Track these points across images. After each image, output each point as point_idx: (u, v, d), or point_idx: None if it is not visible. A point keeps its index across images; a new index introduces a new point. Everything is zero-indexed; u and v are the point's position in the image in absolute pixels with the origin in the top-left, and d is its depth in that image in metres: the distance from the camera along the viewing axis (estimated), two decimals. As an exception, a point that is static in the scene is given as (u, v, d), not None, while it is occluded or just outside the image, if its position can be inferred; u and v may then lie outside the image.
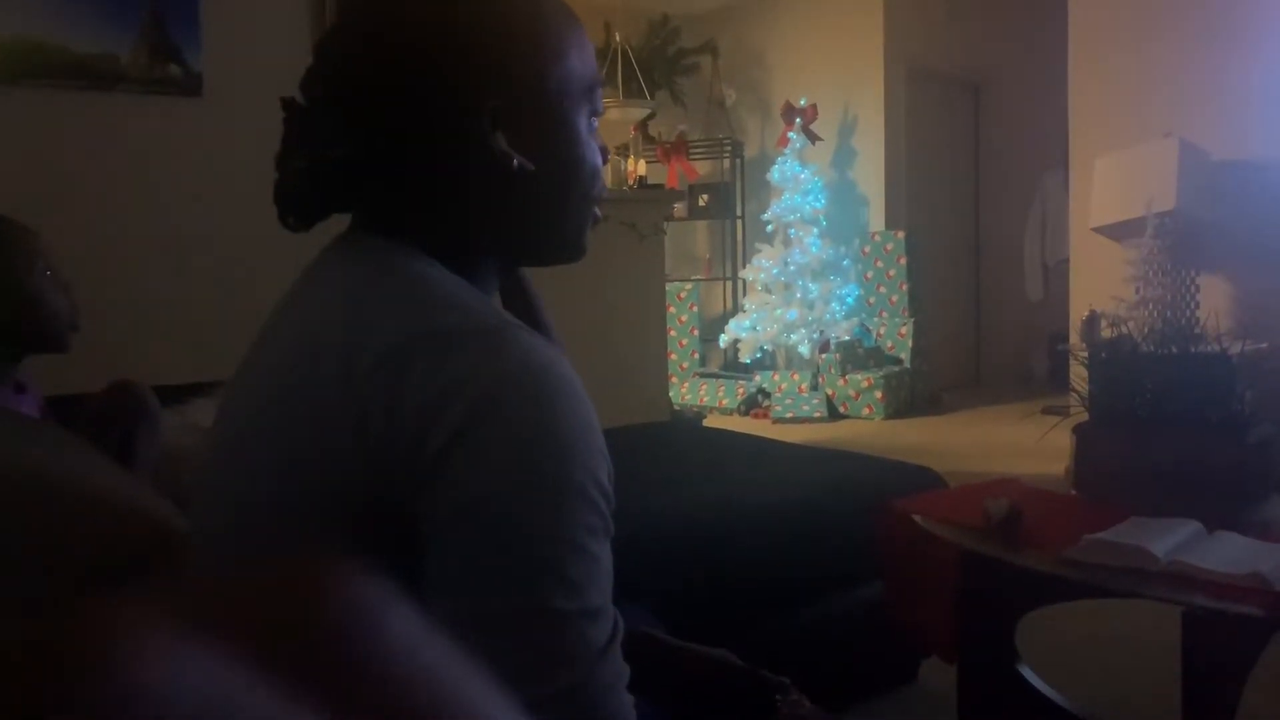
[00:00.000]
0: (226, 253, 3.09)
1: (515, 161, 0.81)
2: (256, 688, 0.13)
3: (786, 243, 6.94)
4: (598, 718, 0.69)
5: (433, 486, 0.70)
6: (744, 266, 7.28)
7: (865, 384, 6.39)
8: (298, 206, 0.85)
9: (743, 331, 6.93)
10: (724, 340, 7.11)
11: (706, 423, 5.45)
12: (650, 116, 6.87)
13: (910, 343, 6.71)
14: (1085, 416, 2.20)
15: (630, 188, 4.77)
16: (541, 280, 0.98)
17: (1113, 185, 4.87)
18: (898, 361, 6.68)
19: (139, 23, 2.96)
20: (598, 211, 0.91)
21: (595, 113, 0.89)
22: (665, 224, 4.58)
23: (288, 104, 0.84)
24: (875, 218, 7.18)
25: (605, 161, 0.91)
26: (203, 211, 3.08)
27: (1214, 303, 4.18)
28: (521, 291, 0.93)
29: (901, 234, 6.88)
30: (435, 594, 0.69)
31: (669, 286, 5.64)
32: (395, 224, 0.84)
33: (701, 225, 7.81)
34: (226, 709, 0.13)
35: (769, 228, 7.06)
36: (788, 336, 6.74)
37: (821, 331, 6.72)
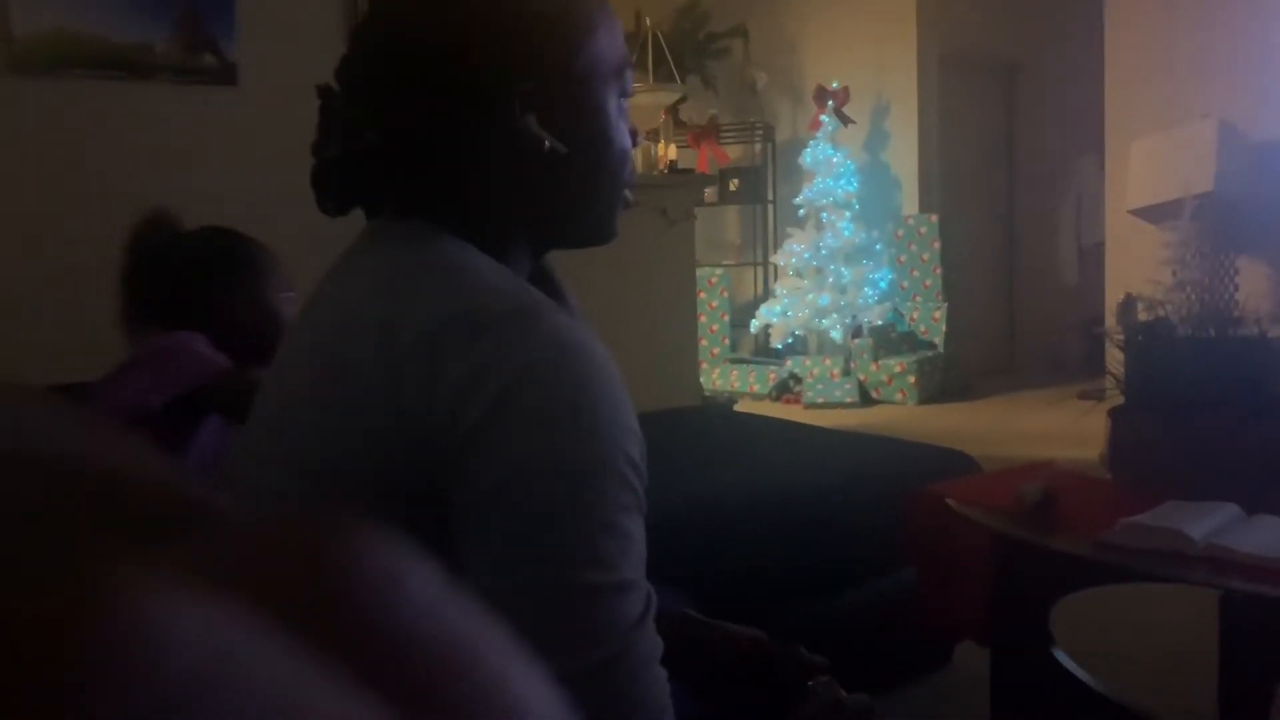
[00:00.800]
0: (261, 239, 3.12)
1: (546, 144, 0.82)
2: (273, 647, 0.13)
3: (818, 227, 6.90)
4: (632, 692, 0.70)
5: (467, 463, 0.71)
6: (775, 251, 7.25)
7: (898, 369, 6.35)
8: (334, 192, 0.86)
9: (774, 317, 6.91)
10: (755, 326, 7.09)
11: (737, 408, 5.44)
12: (681, 101, 6.84)
13: (943, 327, 6.66)
14: (1121, 400, 2.18)
15: (660, 173, 4.75)
16: (571, 266, 0.99)
17: (1149, 167, 4.80)
18: (931, 346, 6.64)
19: (175, 13, 2.99)
20: (629, 195, 0.91)
21: (625, 94, 0.89)
22: (696, 209, 4.57)
23: (323, 91, 0.86)
24: (908, 201, 7.12)
25: (636, 144, 0.91)
26: (238, 199, 3.11)
27: (1253, 285, 4.12)
28: (546, 278, 0.94)
29: (935, 218, 6.82)
30: (469, 570, 0.70)
31: (699, 272, 5.63)
32: (429, 209, 0.85)
33: (732, 210, 7.78)
34: (241, 667, 0.13)
35: (800, 212, 7.03)
36: (819, 321, 6.71)
37: (854, 316, 6.68)
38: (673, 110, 6.62)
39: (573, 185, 0.86)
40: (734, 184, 7.33)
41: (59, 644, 0.12)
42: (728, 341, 7.08)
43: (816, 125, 6.94)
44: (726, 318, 7.04)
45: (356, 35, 0.86)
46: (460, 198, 0.85)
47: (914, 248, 6.83)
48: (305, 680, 0.13)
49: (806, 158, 6.95)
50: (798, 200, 7.02)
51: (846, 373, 6.48)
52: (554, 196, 0.86)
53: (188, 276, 1.67)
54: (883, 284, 6.84)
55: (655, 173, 4.68)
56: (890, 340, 6.53)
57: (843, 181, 6.84)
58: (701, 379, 5.31)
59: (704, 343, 6.40)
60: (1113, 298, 4.96)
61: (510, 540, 0.70)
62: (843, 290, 6.76)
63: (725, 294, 7.02)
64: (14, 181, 2.77)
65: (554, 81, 0.83)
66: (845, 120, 6.90)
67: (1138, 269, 4.47)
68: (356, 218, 0.90)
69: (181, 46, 3.01)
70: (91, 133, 2.92)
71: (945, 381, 6.57)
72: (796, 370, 6.63)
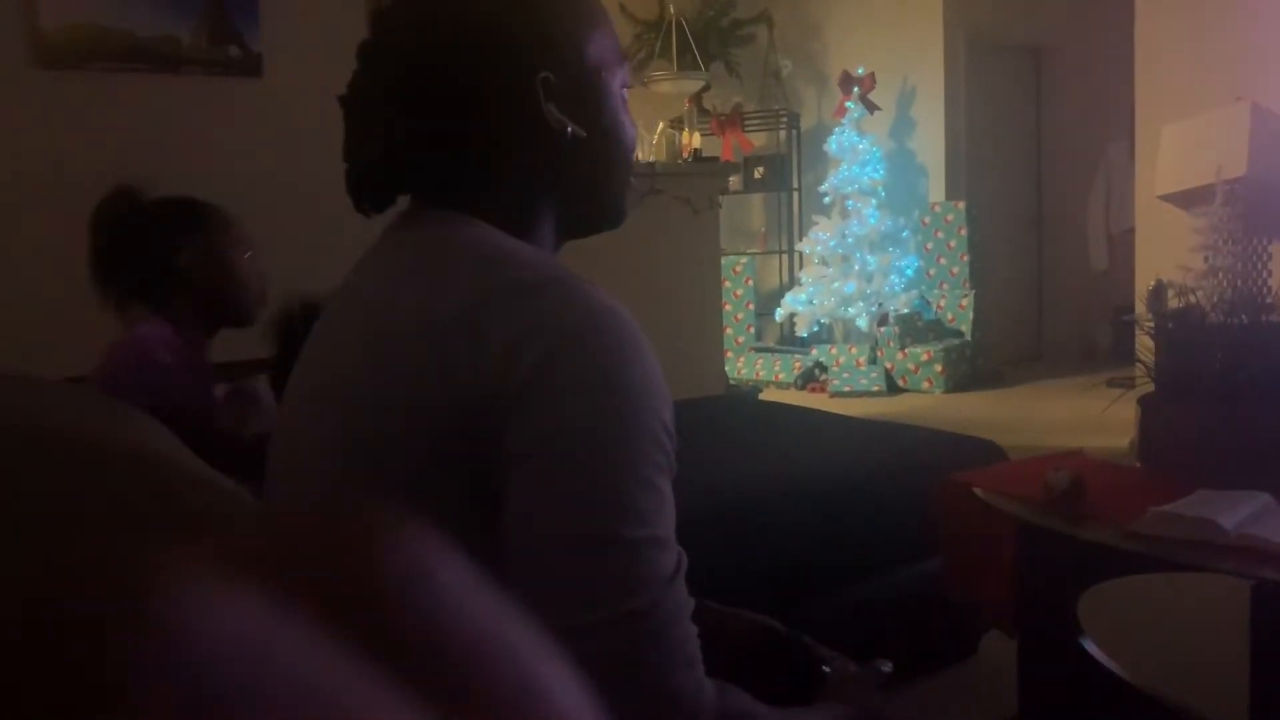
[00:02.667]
0: (287, 229, 3.13)
1: (569, 129, 0.87)
2: (308, 640, 0.14)
3: (844, 214, 6.86)
4: (664, 641, 0.73)
5: (510, 424, 0.74)
6: (800, 239, 7.22)
7: (925, 357, 6.31)
8: (372, 194, 0.89)
9: (799, 305, 6.88)
10: (780, 314, 7.07)
11: (762, 397, 5.43)
12: (705, 89, 6.82)
13: (971, 315, 6.61)
14: (1151, 388, 2.16)
15: (685, 161, 4.74)
16: (597, 255, 1.00)
17: (1181, 152, 4.74)
18: (958, 334, 6.60)
19: (200, 6, 3.01)
20: (633, 179, 0.97)
21: (625, 84, 0.94)
22: (720, 197, 4.56)
23: (346, 99, 0.88)
24: (935, 188, 7.07)
25: (634, 136, 0.96)
26: (265, 188, 3.13)
27: (1287, 271, 4.06)
28: None
29: (962, 204, 6.77)
30: (512, 521, 0.74)
31: (724, 260, 5.62)
32: (456, 198, 0.88)
33: (757, 198, 7.75)
34: (277, 660, 0.13)
35: (826, 199, 6.99)
36: (845, 310, 6.68)
37: (880, 304, 6.64)
38: (697, 98, 6.61)
39: (591, 169, 0.91)
40: (759, 172, 7.30)
41: (99, 640, 0.12)
42: (753, 330, 7.06)
43: (842, 112, 6.90)
44: (751, 306, 7.03)
45: (374, 40, 0.88)
46: (487, 187, 0.88)
47: (940, 235, 6.78)
48: (340, 673, 0.14)
49: (832, 145, 6.91)
50: (823, 188, 6.99)
51: (873, 361, 6.45)
52: (574, 182, 0.91)
53: (148, 241, 1.72)
54: (909, 271, 6.80)
55: (679, 161, 4.66)
56: (917, 328, 6.50)
57: (869, 168, 6.80)
58: (726, 368, 5.31)
59: (729, 331, 6.39)
60: (1143, 284, 4.90)
61: (550, 492, 0.74)
62: (869, 278, 6.72)
63: (750, 282, 7.00)
64: (43, 174, 2.80)
65: (571, 71, 0.87)
66: (871, 107, 6.86)
67: (1168, 255, 4.42)
68: (388, 210, 0.91)
69: (207, 39, 3.03)
70: (119, 125, 2.94)
71: (972, 370, 6.53)
72: (822, 359, 6.61)
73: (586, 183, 0.92)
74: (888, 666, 1.01)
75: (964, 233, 6.69)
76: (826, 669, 0.99)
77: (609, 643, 0.71)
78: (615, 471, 0.73)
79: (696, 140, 5.50)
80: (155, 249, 1.72)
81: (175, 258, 1.72)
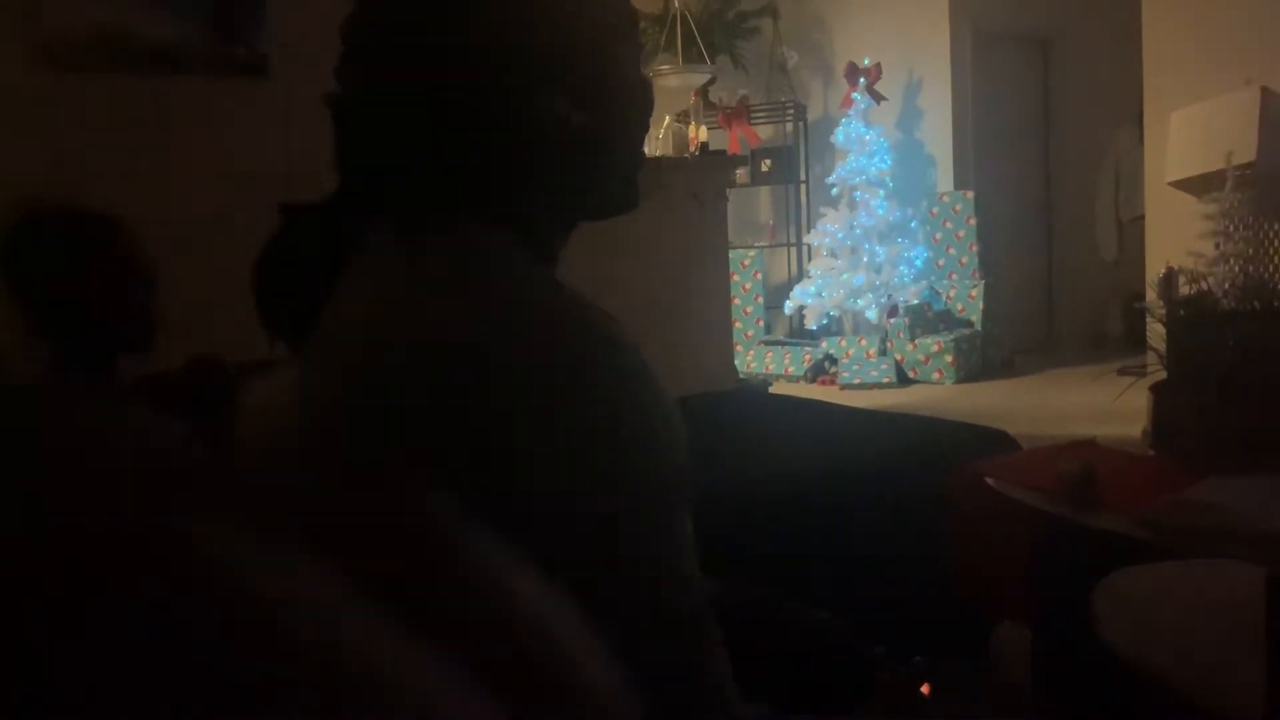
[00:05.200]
0: (296, 231, 3.14)
1: (576, 119, 0.83)
2: (343, 602, 0.14)
3: (852, 206, 6.85)
4: (703, 677, 0.73)
5: (515, 474, 0.70)
6: (808, 232, 7.20)
7: (935, 348, 6.30)
8: (370, 203, 0.85)
9: (808, 298, 6.87)
10: (789, 307, 7.06)
11: (773, 390, 5.42)
12: (711, 82, 6.81)
13: (981, 305, 6.59)
14: (1163, 375, 2.15)
15: (692, 155, 4.73)
16: (604, 250, 0.99)
17: (1190, 138, 4.72)
18: (968, 324, 6.58)
19: (206, 6, 3.01)
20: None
21: (639, 46, 0.91)
22: (727, 191, 4.54)
23: (332, 101, 0.85)
24: (943, 178, 7.05)
25: (651, 95, 0.91)
26: (271, 189, 3.13)
27: (1298, 256, 4.04)
28: None
29: (970, 194, 6.75)
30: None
31: (732, 254, 5.61)
32: (458, 195, 0.84)
33: (764, 191, 7.74)
34: (308, 617, 0.13)
35: (834, 191, 6.98)
36: (854, 301, 6.67)
37: (889, 296, 6.63)
38: (703, 92, 6.58)
39: (601, 155, 0.87)
40: (766, 164, 7.29)
41: (133, 602, 0.12)
42: (762, 323, 7.05)
43: (849, 103, 6.88)
44: (760, 299, 7.02)
45: (354, 36, 0.86)
46: (491, 182, 0.84)
47: (949, 225, 6.76)
48: (374, 635, 0.14)
49: (839, 136, 6.89)
50: (831, 179, 6.97)
51: (883, 353, 6.44)
52: (583, 168, 0.87)
53: (19, 280, 1.61)
54: (918, 262, 6.78)
55: (686, 155, 4.65)
56: (927, 319, 6.48)
57: (876, 159, 6.78)
58: (736, 362, 5.30)
59: (738, 325, 6.38)
60: (1153, 272, 4.87)
61: (570, 559, 0.68)
62: (878, 269, 6.71)
63: (759, 276, 6.99)
64: (47, 178, 2.81)
65: (575, 55, 0.84)
66: (878, 98, 6.84)
67: (1179, 242, 4.41)
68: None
69: (213, 40, 3.03)
70: (125, 127, 2.95)
71: (983, 360, 6.51)
72: (832, 351, 6.60)
73: (598, 169, 0.88)
74: (919, 660, 1.00)
75: (973, 222, 6.67)
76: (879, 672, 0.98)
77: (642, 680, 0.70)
78: (634, 542, 0.71)
79: (703, 134, 5.48)
80: (30, 289, 1.60)
81: (54, 296, 1.60)
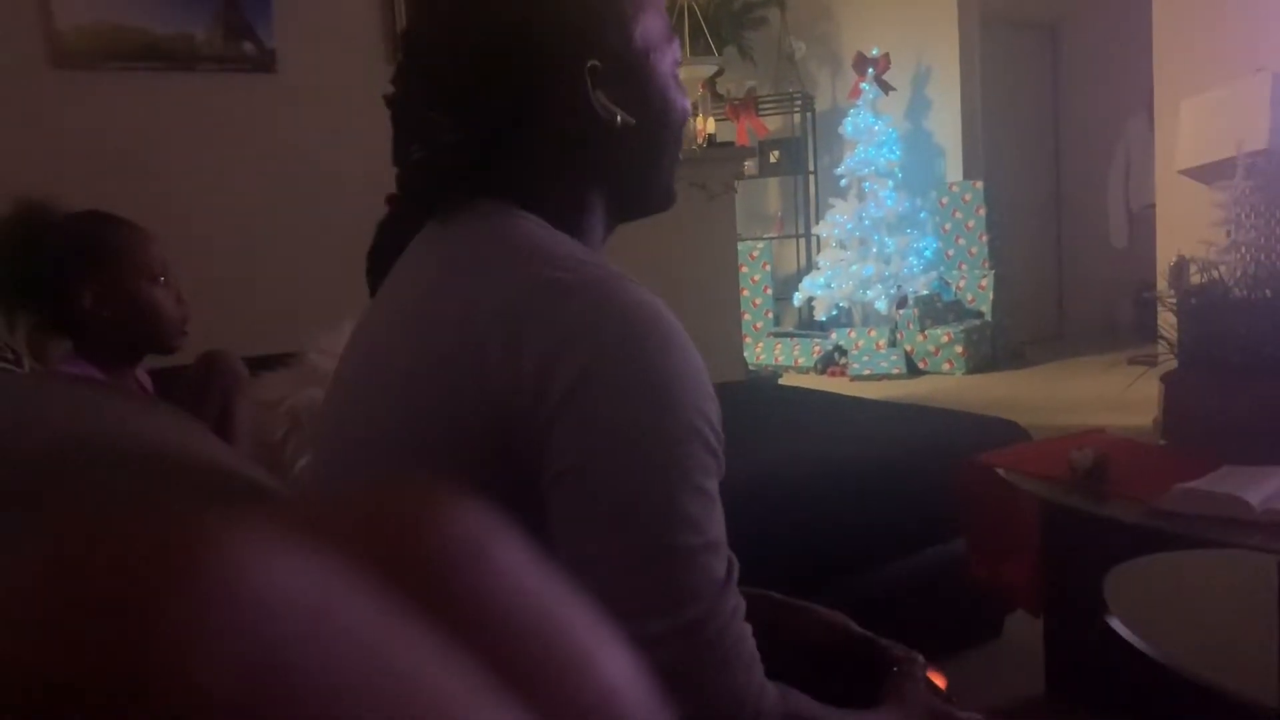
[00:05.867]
0: (299, 226, 3.15)
1: (619, 118, 0.86)
2: (366, 605, 0.14)
3: (861, 197, 6.83)
4: (722, 648, 0.73)
5: (555, 434, 0.73)
6: (817, 223, 7.19)
7: (945, 339, 6.29)
8: (421, 196, 0.88)
9: (817, 289, 6.86)
10: (798, 299, 7.05)
11: (782, 382, 5.42)
12: (718, 74, 6.79)
13: (991, 295, 6.58)
14: (1174, 365, 2.15)
15: (699, 147, 4.72)
16: (612, 243, 0.99)
17: (1200, 126, 4.69)
18: (978, 315, 6.56)
19: (214, 3, 3.02)
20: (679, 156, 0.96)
21: (676, 60, 0.92)
22: (735, 182, 4.54)
23: (390, 100, 0.88)
24: (952, 168, 7.03)
25: (688, 103, 0.94)
26: (280, 184, 3.14)
27: (1310, 244, 4.01)
28: None
29: (980, 184, 6.73)
30: (561, 537, 0.73)
31: (741, 246, 5.60)
32: (503, 190, 0.87)
33: (773, 182, 7.72)
34: (335, 621, 0.13)
35: (842, 182, 6.96)
36: (864, 292, 6.66)
37: (899, 286, 6.61)
38: (710, 83, 6.57)
39: (641, 154, 0.90)
40: (774, 156, 7.27)
41: (155, 598, 0.12)
42: (771, 315, 7.04)
43: (857, 93, 6.86)
44: (769, 291, 7.01)
45: (411, 38, 0.89)
46: (535, 178, 0.87)
47: (959, 215, 6.74)
48: (399, 633, 0.14)
49: (847, 127, 6.87)
50: (839, 170, 6.96)
51: (892, 344, 6.43)
52: (624, 167, 0.90)
53: (43, 285, 1.60)
54: (928, 253, 6.76)
55: (694, 147, 4.64)
56: (936, 310, 6.47)
57: (885, 150, 6.76)
58: (745, 353, 5.30)
59: (747, 317, 6.38)
60: (1164, 260, 4.85)
61: (603, 508, 0.73)
62: (887, 260, 6.69)
63: (767, 267, 6.98)
64: (59, 175, 2.82)
65: (617, 55, 0.86)
66: (886, 88, 6.81)
67: (1190, 231, 4.38)
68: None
69: (221, 35, 3.04)
70: (135, 124, 2.96)
71: (993, 350, 6.49)
72: (841, 342, 6.59)
73: (637, 169, 0.91)
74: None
75: (982, 212, 6.65)
76: (895, 668, 0.97)
77: (668, 654, 0.71)
78: (664, 480, 0.72)
79: (711, 125, 5.48)
80: (52, 293, 1.60)
81: (76, 300, 1.59)
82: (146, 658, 0.12)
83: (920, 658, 0.99)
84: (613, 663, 0.17)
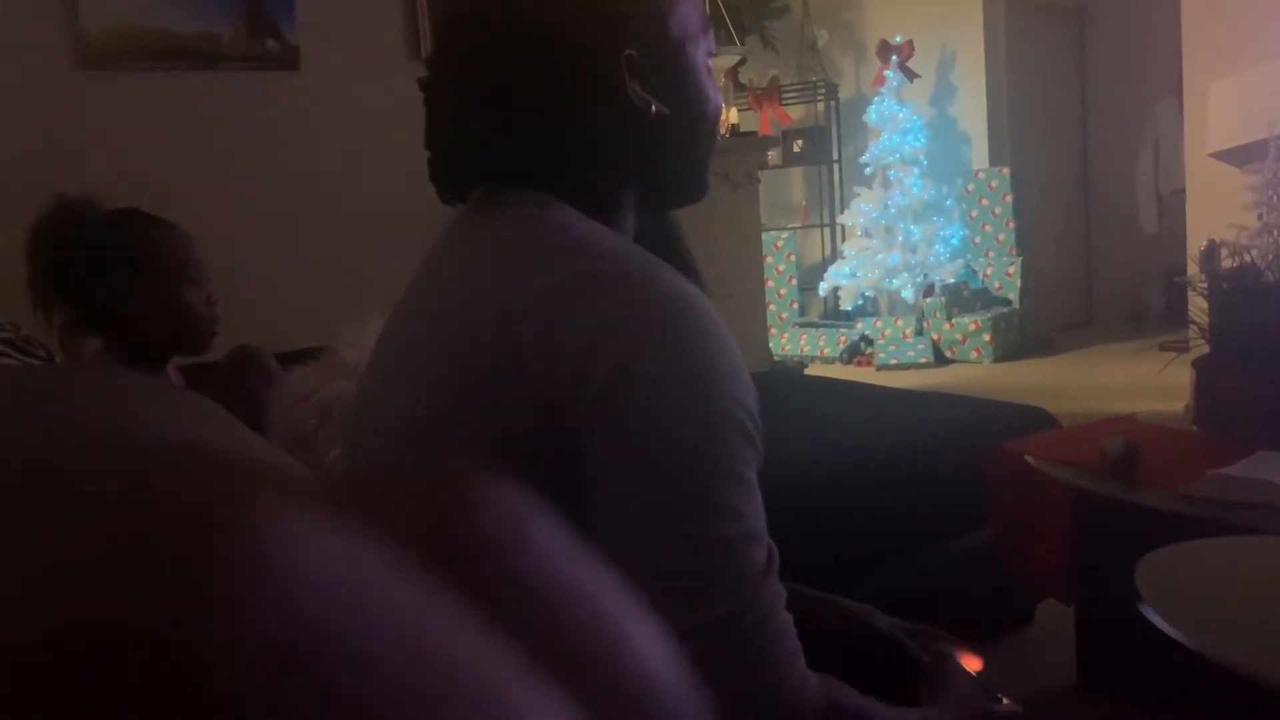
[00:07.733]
0: (325, 222, 3.17)
1: (654, 107, 0.85)
2: (403, 582, 0.14)
3: (886, 185, 6.79)
4: (763, 636, 0.73)
5: (595, 424, 0.73)
6: (842, 212, 7.15)
7: (972, 327, 6.24)
8: (452, 181, 0.89)
9: (842, 278, 6.83)
10: (824, 288, 7.02)
11: (808, 372, 5.40)
12: (741, 63, 6.75)
13: (1018, 282, 6.52)
14: (1205, 350, 2.12)
15: (723, 137, 4.71)
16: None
17: (1231, 108, 4.64)
18: (1006, 302, 6.51)
19: (237, 1, 3.04)
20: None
21: (710, 52, 0.92)
22: (759, 172, 4.53)
23: (424, 84, 0.88)
24: (978, 155, 6.97)
25: (720, 97, 0.94)
26: (304, 181, 3.16)
27: (1344, 226, 3.95)
28: (675, 249, 0.95)
29: (1006, 170, 6.67)
30: (600, 527, 0.73)
31: (765, 236, 5.59)
32: (539, 178, 0.87)
33: (797, 172, 7.69)
34: (372, 598, 0.13)
35: (867, 170, 6.92)
36: (890, 281, 6.62)
37: (925, 275, 6.57)
38: (733, 73, 6.54)
39: (676, 145, 0.90)
40: (798, 145, 7.24)
41: (193, 573, 0.13)
42: (796, 305, 7.02)
43: (881, 81, 6.82)
44: (794, 281, 6.98)
45: (446, 25, 0.89)
46: (568, 167, 0.87)
47: (985, 202, 6.69)
48: (438, 618, 0.14)
49: (872, 115, 6.83)
50: (864, 159, 6.92)
51: (919, 333, 6.39)
52: (658, 158, 0.89)
53: (80, 283, 1.61)
54: (954, 240, 6.72)
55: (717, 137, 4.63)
56: (963, 298, 6.42)
57: (910, 137, 6.71)
58: (770, 344, 5.28)
59: (772, 307, 6.36)
60: (1194, 245, 4.80)
61: (639, 496, 0.73)
62: (913, 249, 6.65)
63: (792, 257, 6.95)
64: (85, 174, 2.85)
65: (652, 46, 0.86)
66: (910, 75, 6.77)
67: (1220, 214, 4.33)
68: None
69: (245, 34, 3.06)
70: (160, 123, 2.98)
71: (1022, 338, 6.44)
72: (868, 332, 6.56)
73: (671, 160, 0.90)
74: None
75: (1009, 199, 6.59)
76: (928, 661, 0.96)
77: (709, 644, 0.71)
78: (704, 470, 0.72)
79: (734, 115, 5.46)
80: (87, 291, 1.61)
81: (110, 301, 1.61)
82: (194, 615, 0.12)
83: (950, 649, 0.98)
84: (650, 648, 0.17)
